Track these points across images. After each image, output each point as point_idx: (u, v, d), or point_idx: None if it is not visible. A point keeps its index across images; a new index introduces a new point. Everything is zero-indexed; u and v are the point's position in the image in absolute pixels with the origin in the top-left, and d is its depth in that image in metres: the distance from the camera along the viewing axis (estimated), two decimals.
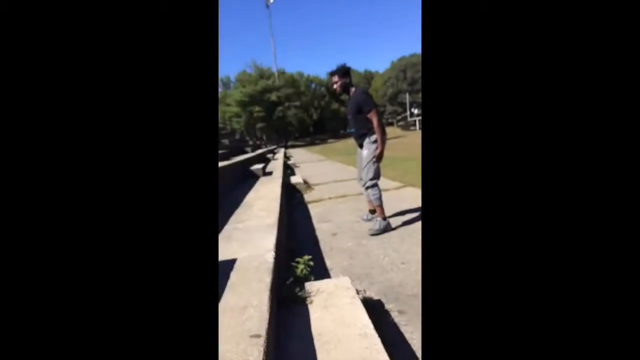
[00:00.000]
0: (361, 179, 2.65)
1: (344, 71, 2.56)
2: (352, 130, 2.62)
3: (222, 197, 2.87)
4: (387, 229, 2.54)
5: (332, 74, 2.59)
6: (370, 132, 2.50)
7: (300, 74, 33.65)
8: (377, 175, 2.55)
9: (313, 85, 34.59)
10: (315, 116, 31.69)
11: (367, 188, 2.56)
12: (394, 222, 2.74)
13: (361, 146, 2.59)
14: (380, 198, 2.53)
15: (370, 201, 2.68)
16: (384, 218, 2.55)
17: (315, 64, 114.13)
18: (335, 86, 2.58)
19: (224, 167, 3.26)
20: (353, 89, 2.58)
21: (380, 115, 2.51)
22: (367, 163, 2.52)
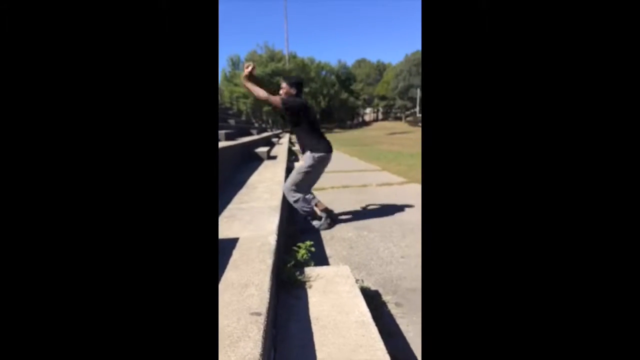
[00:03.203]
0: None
1: (296, 82, 2.41)
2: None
3: (227, 176, 2.86)
4: (329, 215, 2.52)
5: (284, 80, 2.44)
6: (310, 147, 2.38)
7: (312, 60, 33.23)
8: (300, 190, 2.38)
9: (324, 73, 34.21)
10: (323, 104, 31.46)
11: (294, 203, 2.39)
12: (397, 217, 2.74)
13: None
14: (311, 207, 2.44)
15: (316, 205, 2.53)
16: (326, 213, 2.51)
17: (328, 51, 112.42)
18: (281, 92, 2.39)
19: (230, 147, 3.25)
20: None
21: (277, 106, 2.31)
22: (295, 174, 2.37)
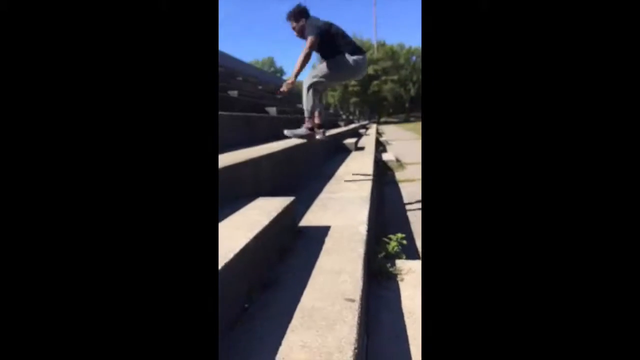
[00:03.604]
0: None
1: (297, 13, 2.19)
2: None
3: (316, 167, 2.99)
4: (309, 138, 2.31)
5: (288, 19, 2.23)
6: (332, 56, 2.19)
7: (401, 46, 31.86)
8: (317, 86, 2.24)
9: (414, 58, 32.46)
10: (412, 92, 29.95)
11: (307, 94, 2.26)
12: None
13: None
14: (313, 109, 2.26)
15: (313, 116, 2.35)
16: (311, 129, 2.30)
17: (417, 34, 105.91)
18: (295, 33, 2.24)
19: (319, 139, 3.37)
20: None
21: (313, 47, 2.13)
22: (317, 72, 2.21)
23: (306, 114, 2.32)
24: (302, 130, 2.32)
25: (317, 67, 2.29)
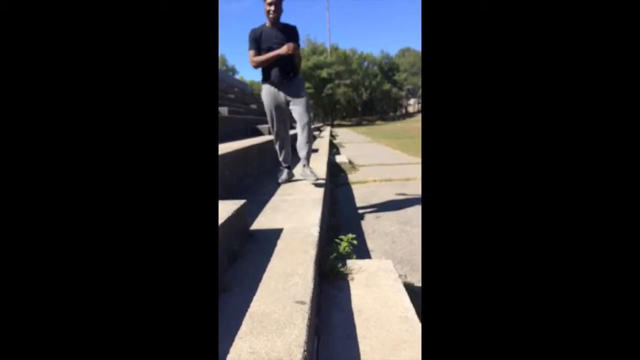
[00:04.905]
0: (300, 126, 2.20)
1: None
2: (277, 74, 2.10)
3: (270, 169, 2.95)
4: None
5: None
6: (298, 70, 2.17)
7: (353, 51, 32.78)
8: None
9: (365, 64, 33.60)
10: (365, 96, 30.97)
11: (310, 138, 2.19)
12: None
13: (286, 91, 2.14)
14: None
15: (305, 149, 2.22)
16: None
17: (371, 41, 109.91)
18: (273, 8, 1.99)
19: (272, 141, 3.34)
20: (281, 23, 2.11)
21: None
22: (309, 108, 2.15)
23: (309, 155, 2.20)
24: (312, 172, 2.21)
25: (302, 101, 2.12)
